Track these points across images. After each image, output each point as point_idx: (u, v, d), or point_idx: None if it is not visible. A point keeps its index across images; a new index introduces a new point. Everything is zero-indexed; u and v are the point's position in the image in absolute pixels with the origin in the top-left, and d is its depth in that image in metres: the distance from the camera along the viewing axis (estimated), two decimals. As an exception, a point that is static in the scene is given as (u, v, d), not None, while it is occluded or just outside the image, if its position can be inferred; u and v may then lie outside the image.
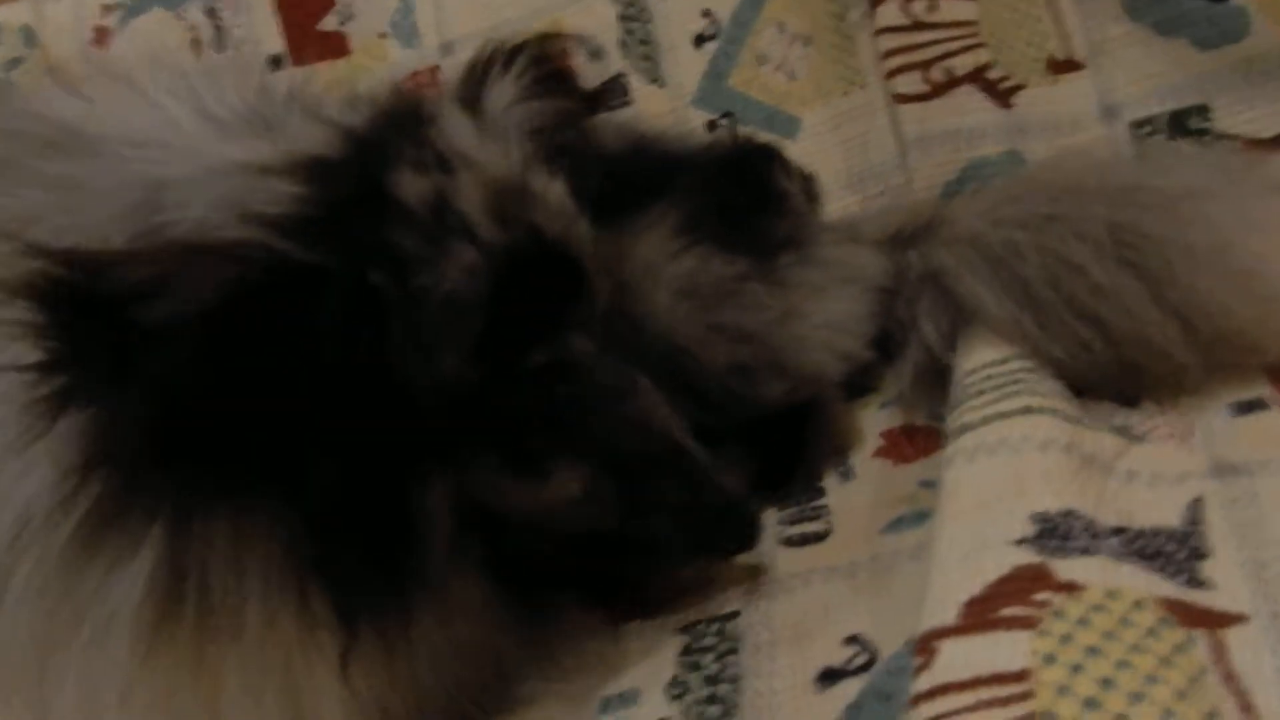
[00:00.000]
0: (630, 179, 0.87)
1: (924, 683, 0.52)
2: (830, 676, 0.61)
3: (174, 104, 0.69)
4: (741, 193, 0.91)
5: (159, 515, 0.56)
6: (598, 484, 0.65)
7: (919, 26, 1.13)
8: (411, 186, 0.61)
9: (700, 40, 1.25)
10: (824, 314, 0.87)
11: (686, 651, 0.68)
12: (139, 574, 0.56)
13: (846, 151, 1.19)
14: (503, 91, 0.71)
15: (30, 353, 0.54)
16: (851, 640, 0.63)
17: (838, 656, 0.62)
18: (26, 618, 0.58)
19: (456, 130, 0.66)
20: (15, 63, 1.50)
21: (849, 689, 0.59)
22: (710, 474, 0.68)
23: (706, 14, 1.25)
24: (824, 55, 1.21)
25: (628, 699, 0.65)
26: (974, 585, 0.56)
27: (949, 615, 0.55)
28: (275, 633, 0.58)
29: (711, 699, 0.63)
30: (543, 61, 0.74)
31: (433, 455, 0.61)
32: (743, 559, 0.72)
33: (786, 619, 0.67)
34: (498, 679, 0.68)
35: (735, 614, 0.69)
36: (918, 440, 0.84)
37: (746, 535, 0.70)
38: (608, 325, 0.68)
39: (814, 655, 0.63)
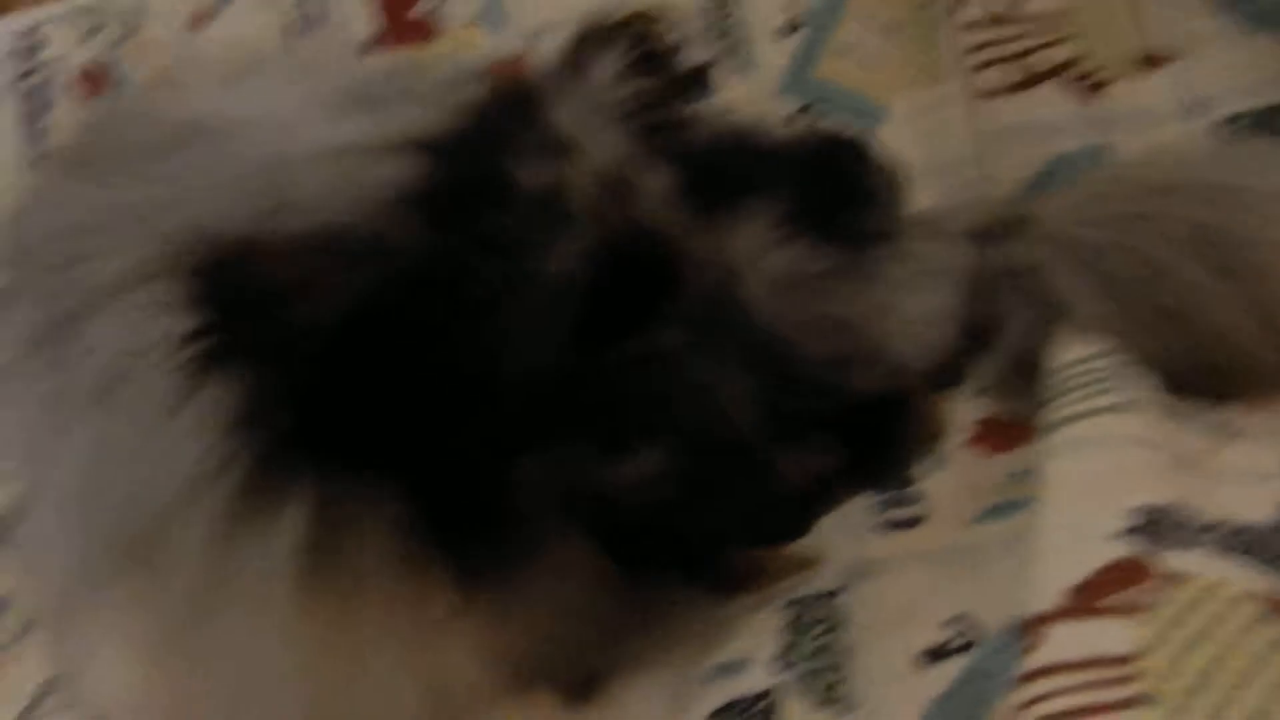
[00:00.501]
0: (726, 170, 0.91)
1: (1033, 662, 0.56)
2: (933, 655, 0.65)
3: (283, 87, 0.72)
4: (834, 186, 0.94)
5: (301, 485, 0.61)
6: (669, 465, 0.68)
7: (1003, 21, 1.15)
8: (528, 171, 0.64)
9: (786, 30, 1.28)
10: (915, 307, 0.90)
11: (790, 626, 0.72)
12: (288, 537, 0.60)
13: (925, 144, 1.21)
14: (603, 73, 0.73)
15: (179, 323, 0.59)
16: (951, 622, 0.66)
17: (939, 637, 0.66)
18: (186, 573, 0.62)
19: (564, 114, 0.68)
20: (117, 44, 1.56)
21: (951, 667, 0.63)
22: (770, 467, 0.71)
23: (793, 3, 1.28)
24: (908, 46, 1.23)
25: (734, 667, 0.70)
26: (1078, 573, 0.59)
27: (1055, 601, 0.58)
28: (402, 594, 0.63)
29: (820, 671, 0.67)
30: (643, 41, 0.76)
31: (533, 434, 0.65)
32: (799, 551, 0.77)
33: (887, 599, 0.71)
34: (607, 638, 0.72)
35: (837, 592, 0.74)
36: (1007, 432, 0.87)
37: (795, 528, 0.75)
38: (700, 317, 0.71)
39: (916, 635, 0.66)
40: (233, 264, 0.58)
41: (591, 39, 0.76)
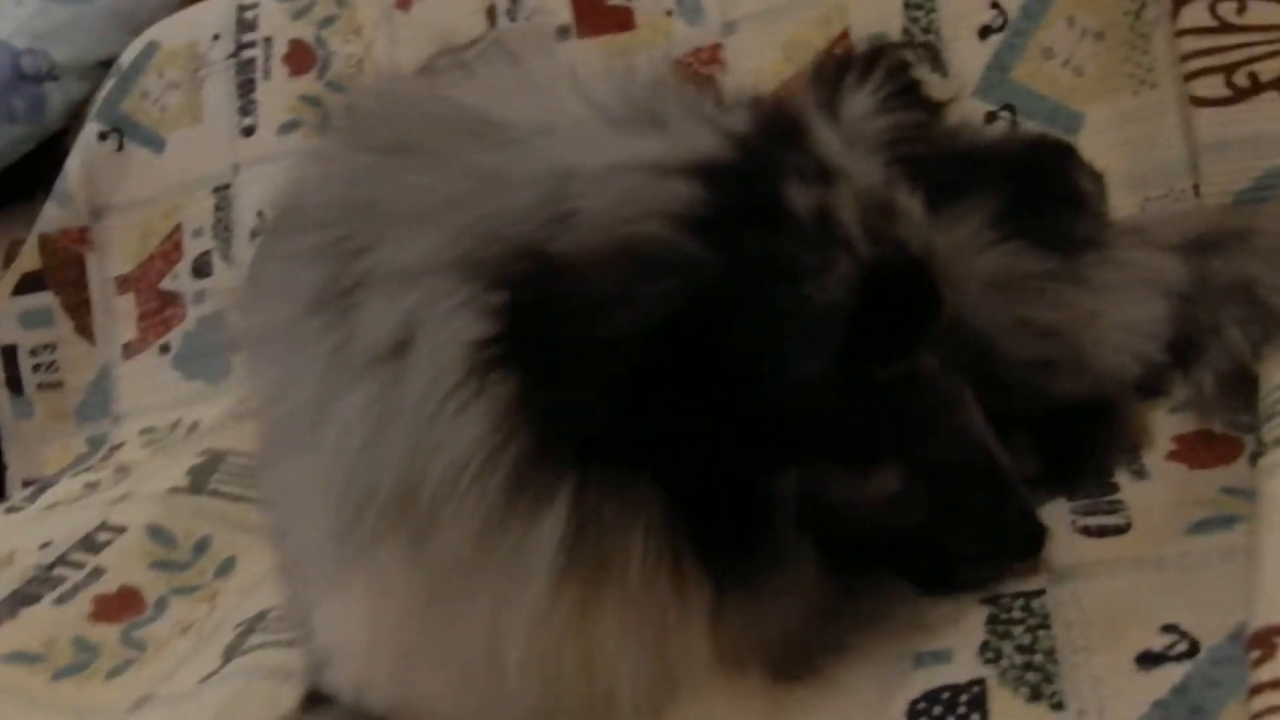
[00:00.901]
0: (938, 171, 0.91)
1: (1265, 674, 0.56)
2: (1150, 659, 0.65)
3: (564, 91, 0.73)
4: (1046, 190, 0.94)
5: (566, 480, 0.63)
6: (912, 484, 0.70)
7: (1225, 29, 1.13)
8: (800, 197, 0.65)
9: (986, 32, 1.28)
10: (1124, 315, 0.89)
11: (994, 621, 0.72)
12: (553, 525, 0.63)
13: (1130, 151, 1.19)
14: (861, 101, 0.75)
15: (474, 326, 0.62)
16: (1169, 629, 0.66)
17: (1157, 642, 0.66)
18: (457, 545, 0.64)
19: (828, 140, 0.69)
20: (328, 21, 1.64)
21: (1171, 673, 0.63)
22: (1016, 486, 0.72)
23: (994, 6, 1.27)
24: (1115, 52, 1.22)
25: (940, 657, 0.71)
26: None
27: (1287, 615, 0.58)
28: (654, 588, 0.65)
29: (1028, 666, 0.68)
30: (898, 73, 0.78)
31: (785, 449, 0.66)
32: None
33: (1095, 602, 0.71)
34: (828, 635, 0.73)
35: (1041, 592, 0.74)
36: (1215, 447, 0.86)
37: (1037, 546, 0.74)
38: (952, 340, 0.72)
39: (1131, 638, 0.66)
40: (534, 276, 0.61)
41: (846, 66, 0.78)
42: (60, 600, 1.15)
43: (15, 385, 1.70)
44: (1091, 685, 0.64)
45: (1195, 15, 1.13)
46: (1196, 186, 1.15)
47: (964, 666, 0.70)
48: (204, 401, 1.62)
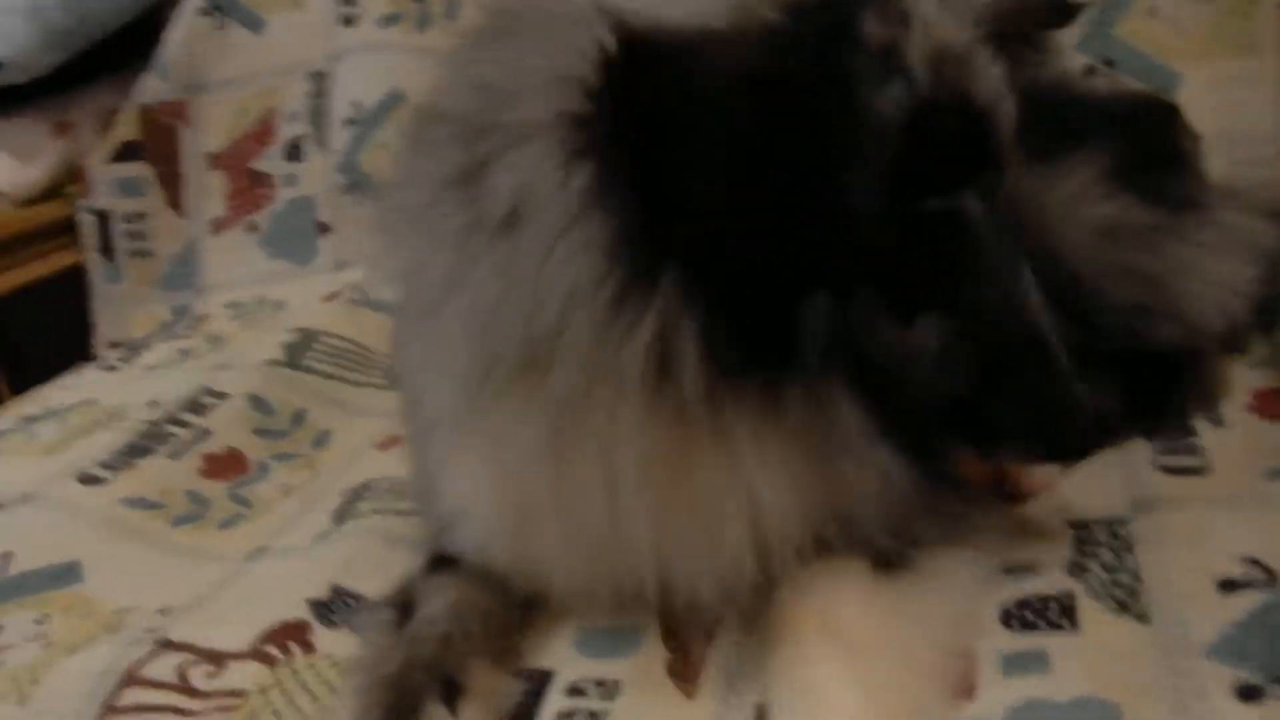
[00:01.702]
0: (1058, 117, 0.96)
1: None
2: (1230, 585, 0.71)
3: None
4: (1155, 148, 0.98)
5: (654, 300, 0.68)
6: (957, 346, 0.70)
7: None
8: (873, 28, 0.68)
9: (1092, -15, 1.30)
10: (1219, 272, 0.94)
11: (1080, 542, 0.79)
12: (642, 345, 0.68)
13: (1222, 114, 1.23)
14: None
15: (565, 158, 0.67)
16: (1248, 560, 0.73)
17: (1235, 570, 0.72)
18: (568, 377, 0.70)
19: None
20: (434, -83, 1.66)
21: (1250, 598, 0.70)
22: (1068, 374, 0.70)
23: (1104, -41, 1.30)
24: (1219, 17, 1.25)
25: (1030, 569, 0.78)
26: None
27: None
28: (711, 413, 0.70)
29: (1115, 583, 0.74)
30: None
31: (824, 272, 0.69)
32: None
33: (1177, 531, 0.78)
34: (904, 518, 0.78)
35: (1125, 520, 0.80)
36: (1287, 403, 0.92)
37: (1087, 441, 0.72)
38: (1012, 213, 0.72)
39: (1211, 565, 0.73)
40: (614, 61, 0.65)
41: None
42: (173, 455, 1.22)
43: (107, 250, 1.75)
44: (1174, 603, 0.71)
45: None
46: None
47: (1053, 579, 0.76)
48: (289, 281, 1.68)
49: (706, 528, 0.74)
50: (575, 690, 0.77)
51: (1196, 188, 0.99)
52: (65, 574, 1.02)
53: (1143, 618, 0.71)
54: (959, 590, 0.75)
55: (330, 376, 1.41)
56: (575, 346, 0.69)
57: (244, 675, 0.83)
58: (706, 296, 0.68)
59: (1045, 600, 0.75)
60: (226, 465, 1.24)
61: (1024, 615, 0.74)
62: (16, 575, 1.00)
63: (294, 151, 1.71)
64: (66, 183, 1.81)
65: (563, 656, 0.80)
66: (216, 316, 1.67)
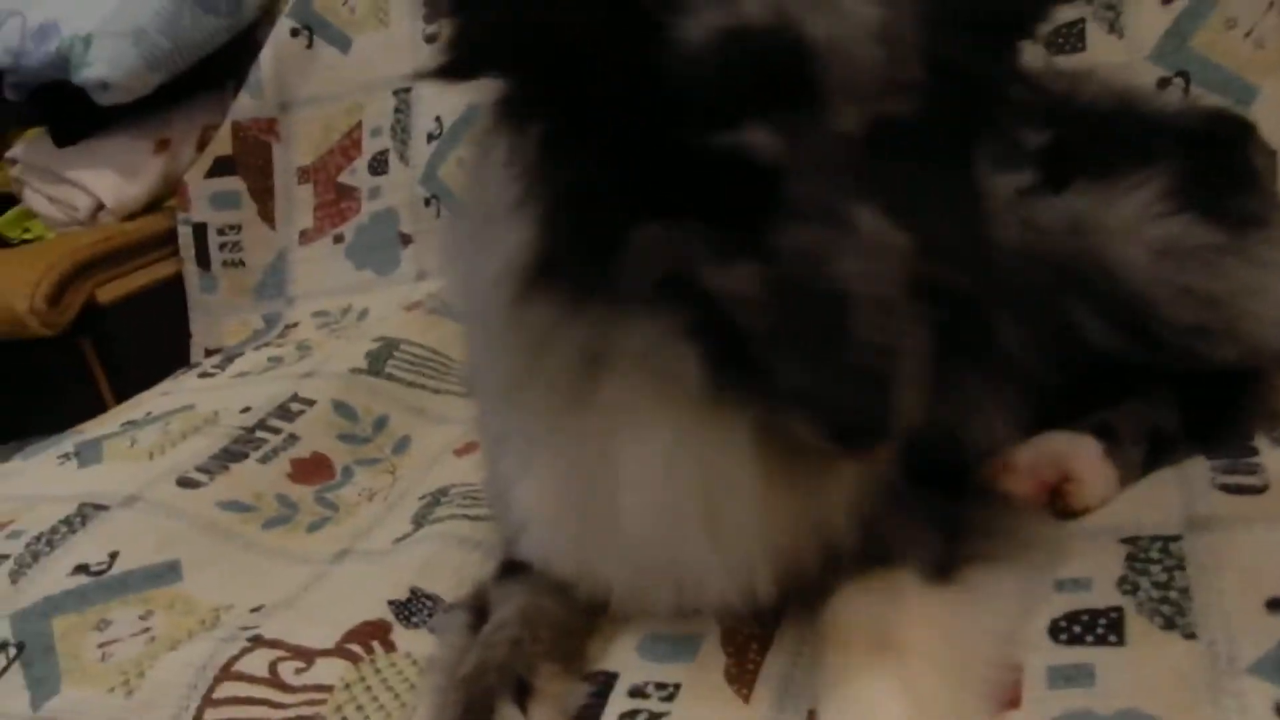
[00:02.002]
0: (1119, 137, 0.97)
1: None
2: (1278, 605, 0.72)
3: None
4: (1221, 165, 0.98)
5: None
6: (767, 288, 0.65)
7: None
8: None
9: (1169, -2, 1.30)
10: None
11: (1132, 559, 0.81)
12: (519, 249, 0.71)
13: (1299, 128, 1.22)
14: None
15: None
16: (1298, 581, 0.74)
17: (1285, 591, 0.73)
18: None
19: None
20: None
21: (1298, 619, 0.71)
22: (868, 346, 0.63)
23: (1185, -32, 1.29)
24: (1297, 28, 1.23)
25: (1081, 584, 0.79)
26: None
27: None
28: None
29: (1164, 600, 0.76)
30: None
31: (650, 196, 0.66)
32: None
33: (1231, 550, 0.79)
34: (966, 546, 0.81)
35: (1178, 537, 0.82)
36: (1347, 424, 0.92)
37: (864, 431, 0.64)
38: (845, 160, 0.64)
39: (1262, 584, 0.74)
40: None
41: None
42: (264, 460, 1.29)
43: (203, 261, 1.85)
44: (1222, 621, 0.73)
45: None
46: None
47: (1102, 594, 0.78)
48: (373, 290, 1.76)
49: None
50: (638, 692, 0.81)
51: (1263, 206, 0.99)
52: (167, 573, 1.09)
53: (1190, 634, 0.72)
54: (1007, 604, 0.77)
55: (411, 384, 1.47)
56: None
57: (330, 671, 0.89)
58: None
59: (1095, 615, 0.76)
60: (313, 470, 1.30)
61: (1072, 629, 0.76)
62: (122, 573, 1.08)
63: (378, 165, 1.79)
64: (166, 196, 1.92)
65: (626, 660, 0.84)
66: (304, 325, 1.75)
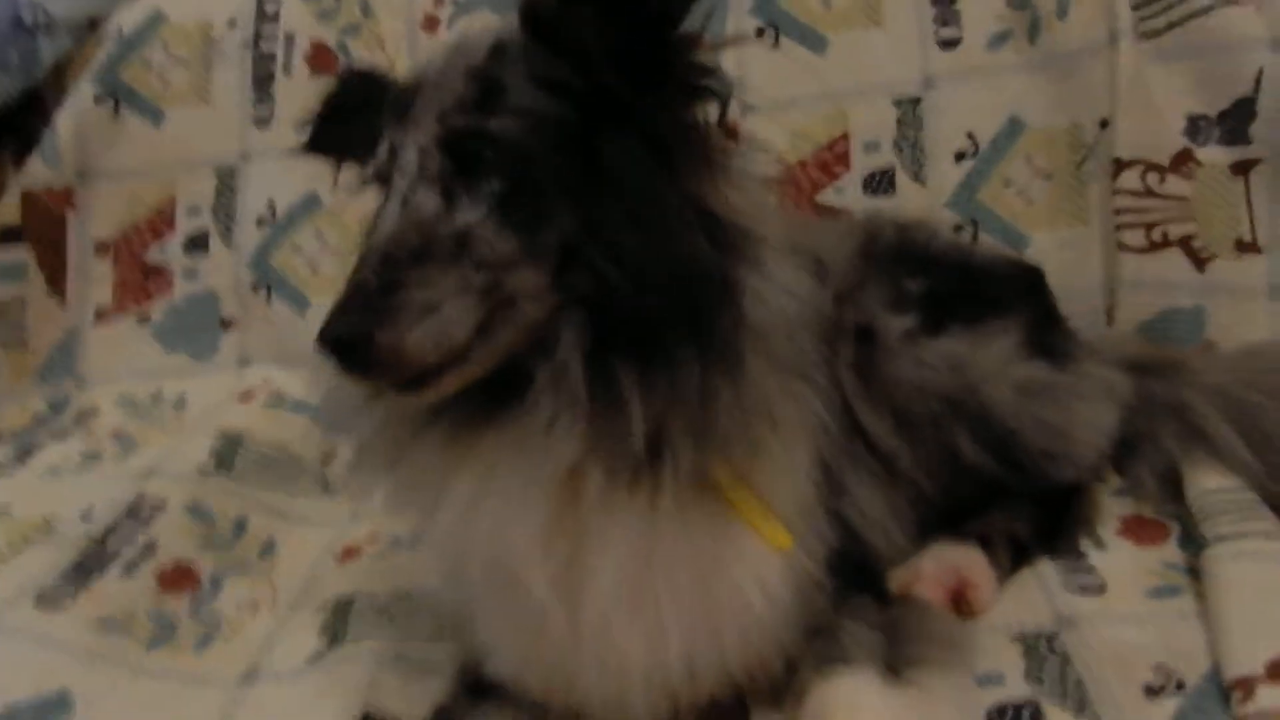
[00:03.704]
0: (978, 288, 1.17)
1: (1249, 709, 0.84)
2: (1153, 691, 0.92)
3: None
4: (1045, 311, 1.22)
5: None
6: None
7: (1149, 194, 1.44)
8: None
9: (959, 157, 1.55)
10: (1097, 420, 1.17)
11: (1029, 653, 0.98)
12: None
13: (1061, 271, 1.47)
14: None
15: None
16: (1159, 668, 0.94)
17: (1154, 678, 0.93)
18: None
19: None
20: (352, 29, 1.72)
21: (1169, 703, 0.90)
22: (354, 279, 0.79)
23: (970, 136, 1.55)
24: (1059, 191, 1.51)
25: (994, 679, 0.95)
26: (1272, 650, 0.88)
27: (1256, 668, 0.87)
28: None
29: (1065, 692, 0.93)
30: None
31: None
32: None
33: (1100, 645, 0.98)
34: (907, 650, 0.94)
35: (1055, 634, 1.00)
36: (1149, 529, 1.16)
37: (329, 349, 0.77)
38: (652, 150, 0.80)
39: (1135, 674, 0.93)
40: None
41: None
42: (125, 573, 1.21)
43: (-21, 340, 1.67)
44: (1115, 710, 0.91)
45: (1131, 180, 1.44)
46: (1109, 311, 1.46)
47: (1015, 687, 0.94)
48: (188, 376, 1.67)
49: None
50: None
51: (1071, 343, 1.22)
52: (57, 704, 1.02)
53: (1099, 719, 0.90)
54: (954, 700, 0.91)
55: (264, 484, 1.43)
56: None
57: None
58: None
59: (1019, 707, 0.92)
60: (178, 580, 1.24)
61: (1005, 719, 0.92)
62: (6, 710, 0.99)
63: (196, 245, 1.71)
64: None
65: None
66: (107, 412, 1.63)
